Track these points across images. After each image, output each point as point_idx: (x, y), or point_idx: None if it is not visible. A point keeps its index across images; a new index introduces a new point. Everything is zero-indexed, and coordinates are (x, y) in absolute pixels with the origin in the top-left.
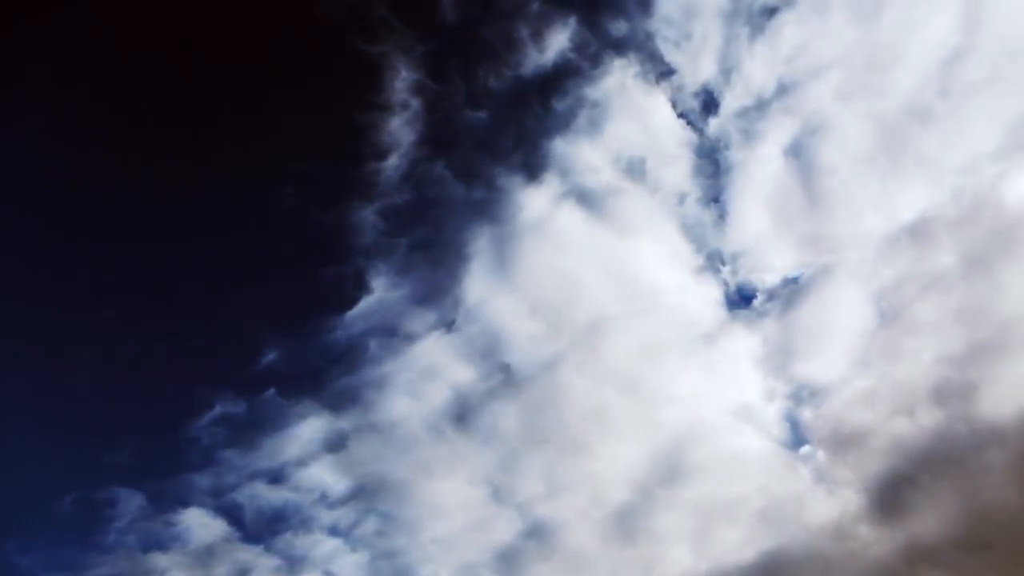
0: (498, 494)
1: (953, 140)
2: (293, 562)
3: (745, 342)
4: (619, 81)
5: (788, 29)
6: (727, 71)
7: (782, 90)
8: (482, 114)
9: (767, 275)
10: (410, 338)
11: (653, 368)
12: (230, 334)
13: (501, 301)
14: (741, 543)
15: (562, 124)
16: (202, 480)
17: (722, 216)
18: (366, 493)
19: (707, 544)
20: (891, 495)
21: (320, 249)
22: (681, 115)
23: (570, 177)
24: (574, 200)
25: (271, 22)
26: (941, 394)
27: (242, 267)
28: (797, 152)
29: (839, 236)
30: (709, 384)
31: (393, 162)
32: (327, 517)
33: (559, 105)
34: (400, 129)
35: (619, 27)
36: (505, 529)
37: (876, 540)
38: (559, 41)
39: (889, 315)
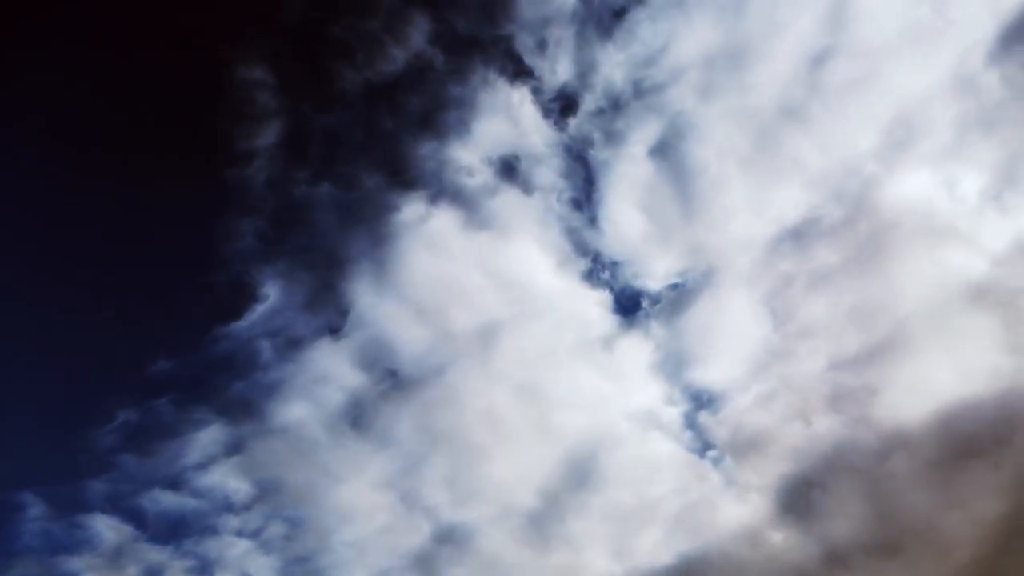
0: (406, 499)
1: (829, 140)
2: (207, 564)
3: (638, 348)
4: (482, 80)
5: (643, 29)
6: (584, 72)
7: (642, 90)
8: (341, 114)
9: (651, 280)
10: (300, 344)
11: (548, 373)
12: (123, 343)
13: (386, 306)
14: (657, 547)
15: (427, 123)
16: (103, 486)
17: (598, 219)
18: (270, 497)
19: (623, 548)
20: (799, 499)
21: (202, 258)
22: (546, 116)
23: (441, 178)
24: (448, 202)
25: (122, 30)
26: (839, 397)
27: (130, 277)
28: (665, 153)
29: (720, 240)
30: (607, 390)
31: (258, 168)
32: (233, 521)
33: (421, 104)
34: (259, 134)
35: (475, 28)
36: (417, 534)
37: (789, 544)
38: (416, 39)
39: (781, 319)
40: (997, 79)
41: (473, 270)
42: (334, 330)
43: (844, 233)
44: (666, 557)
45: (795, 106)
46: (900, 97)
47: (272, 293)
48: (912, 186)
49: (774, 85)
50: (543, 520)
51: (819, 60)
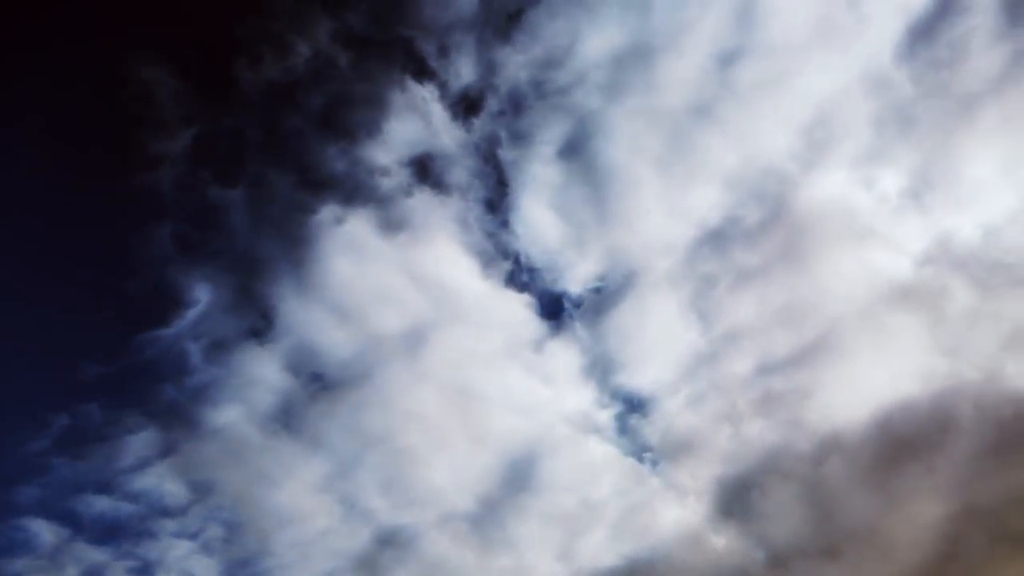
0: (345, 502)
1: (744, 140)
2: (148, 565)
3: (566, 352)
4: (388, 80)
5: (544, 30)
6: (486, 74)
7: (546, 91)
8: (248, 116)
9: (572, 284)
10: (228, 348)
11: (479, 377)
12: (52, 350)
13: (310, 309)
14: (600, 549)
15: (336, 123)
16: (37, 490)
17: (514, 222)
18: (206, 500)
19: (567, 551)
20: (737, 502)
21: (124, 263)
22: (454, 117)
23: (355, 179)
24: (364, 203)
25: (16, 33)
26: (771, 400)
27: (55, 283)
28: (576, 154)
29: (639, 241)
30: (540, 394)
31: (167, 173)
32: (171, 524)
33: (328, 104)
34: (166, 138)
35: (378, 29)
36: (359, 537)
37: (730, 547)
38: (321, 40)
39: (707, 322)
40: (908, 77)
41: (394, 273)
42: (260, 333)
43: (765, 234)
44: (610, 559)
45: (708, 106)
46: (814, 96)
47: (201, 297)
48: (830, 186)
49: (685, 84)
50: (485, 523)
51: (730, 59)
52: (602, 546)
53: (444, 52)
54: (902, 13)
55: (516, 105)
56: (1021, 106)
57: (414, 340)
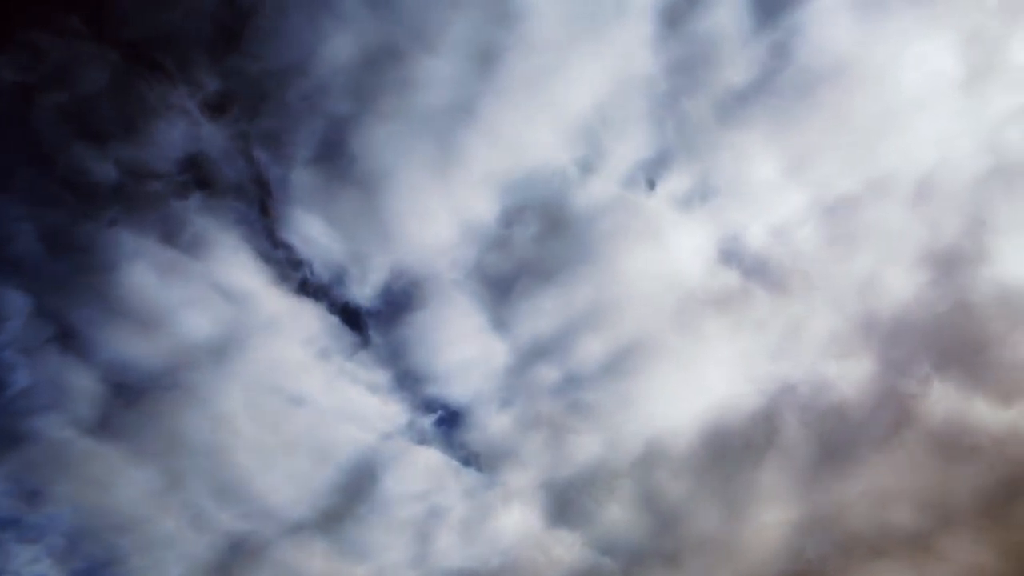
0: (187, 509)
1: (514, 141)
2: None
3: (376, 363)
4: (140, 82)
5: (284, 33)
6: (231, 81)
7: (296, 95)
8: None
9: (364, 294)
10: (41, 358)
11: (296, 387)
12: None
13: (106, 316)
14: (448, 556)
15: (92, 126)
16: None
17: (293, 232)
18: (41, 509)
19: (418, 558)
20: (571, 509)
21: None
22: (212, 119)
23: (125, 184)
24: (139, 209)
25: None
26: (586, 405)
27: None
28: (337, 158)
29: (421, 248)
30: (362, 403)
31: None
32: (4, 534)
33: (82, 107)
34: None
35: (128, 32)
36: (207, 544)
37: (572, 554)
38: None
39: (509, 330)
40: (669, 73)
41: (188, 281)
42: (68, 342)
43: (550, 239)
44: (459, 565)
45: (471, 106)
46: (584, 94)
47: (9, 308)
48: (610, 187)
49: (444, 85)
50: (334, 532)
51: (489, 58)
52: (451, 552)
53: (190, 56)
54: (655, 5)
55: (268, 113)
56: (794, 103)
57: (224, 349)
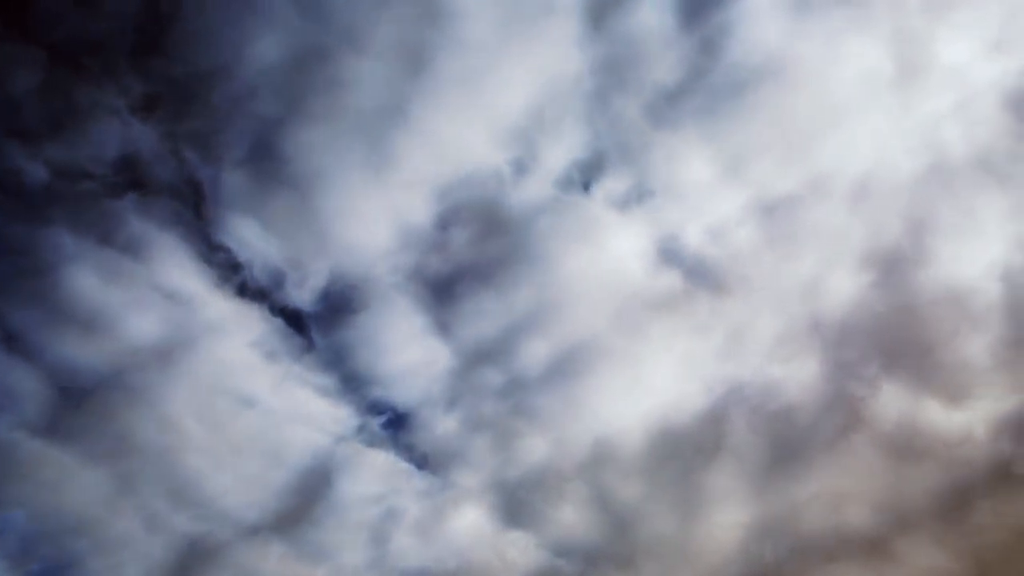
0: (141, 511)
1: (447, 142)
2: None
3: (316, 365)
4: (67, 83)
5: (206, 37)
6: (161, 84)
7: (222, 97)
8: None
9: (304, 297)
10: None
11: (246, 389)
12: None
13: (55, 320)
14: (405, 558)
15: (19, 125)
16: None
17: (228, 229)
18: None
19: (376, 559)
20: (523, 511)
21: None
22: (143, 121)
23: (54, 183)
24: (71, 209)
25: None
26: (534, 406)
27: None
28: (268, 161)
29: (359, 251)
30: (311, 406)
31: None
32: None
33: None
34: None
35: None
36: (163, 545)
37: (526, 555)
38: None
39: (452, 333)
40: (596, 72)
41: (129, 283)
42: (14, 343)
43: (488, 241)
44: (415, 567)
45: (403, 107)
46: (517, 95)
47: None
48: (546, 188)
49: (374, 86)
50: (291, 534)
51: (419, 58)
52: (407, 554)
53: (114, 59)
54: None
55: (196, 115)
56: (727, 102)
57: (170, 351)
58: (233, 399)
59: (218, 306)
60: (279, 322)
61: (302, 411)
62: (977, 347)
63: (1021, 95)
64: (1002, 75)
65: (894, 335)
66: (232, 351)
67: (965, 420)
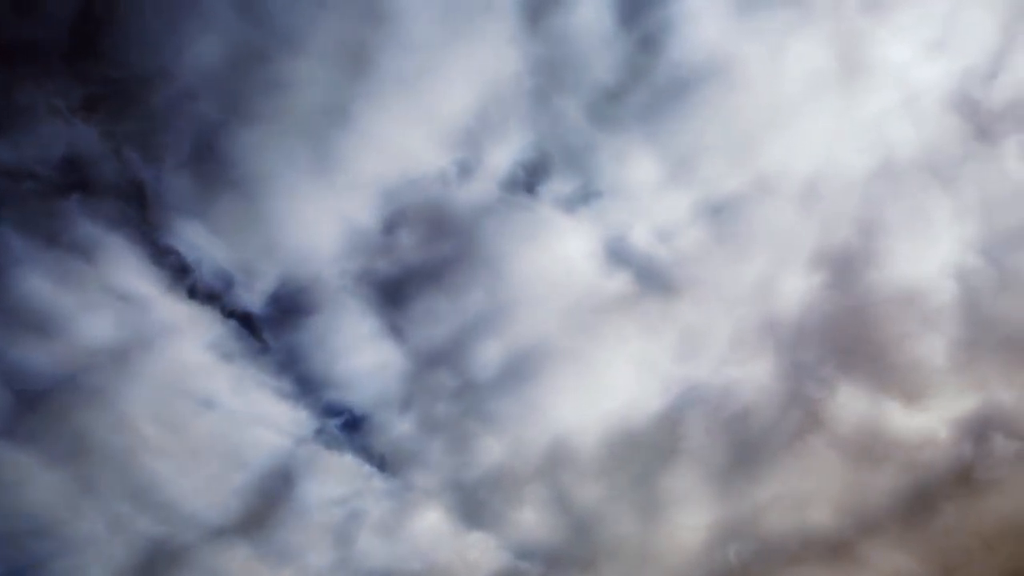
0: (104, 513)
1: (385, 144)
2: None
3: (274, 367)
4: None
5: (145, 41)
6: (91, 88)
7: (161, 100)
8: None
9: (254, 300)
10: None
11: (199, 394)
12: None
13: (5, 327)
14: (369, 560)
15: None
16: None
17: (175, 230)
18: None
19: (341, 561)
20: (483, 513)
21: None
22: (87, 120)
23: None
24: (16, 211)
25: None
26: (491, 408)
27: None
28: (209, 163)
29: (305, 253)
30: (262, 409)
31: None
32: None
33: None
34: None
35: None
36: (127, 547)
37: (486, 556)
38: None
39: (401, 334)
40: (532, 71)
41: (77, 286)
42: None
43: (435, 242)
44: (378, 565)
45: (346, 109)
46: (459, 95)
47: None
48: (490, 188)
49: (316, 87)
50: (255, 536)
51: (360, 59)
52: (370, 556)
53: (52, 61)
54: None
55: (137, 117)
56: (670, 101)
57: (126, 353)
58: (192, 401)
59: (171, 308)
60: (233, 324)
61: (261, 413)
62: (933, 347)
63: (964, 95)
64: (945, 75)
65: (849, 336)
66: (188, 353)
67: (926, 422)
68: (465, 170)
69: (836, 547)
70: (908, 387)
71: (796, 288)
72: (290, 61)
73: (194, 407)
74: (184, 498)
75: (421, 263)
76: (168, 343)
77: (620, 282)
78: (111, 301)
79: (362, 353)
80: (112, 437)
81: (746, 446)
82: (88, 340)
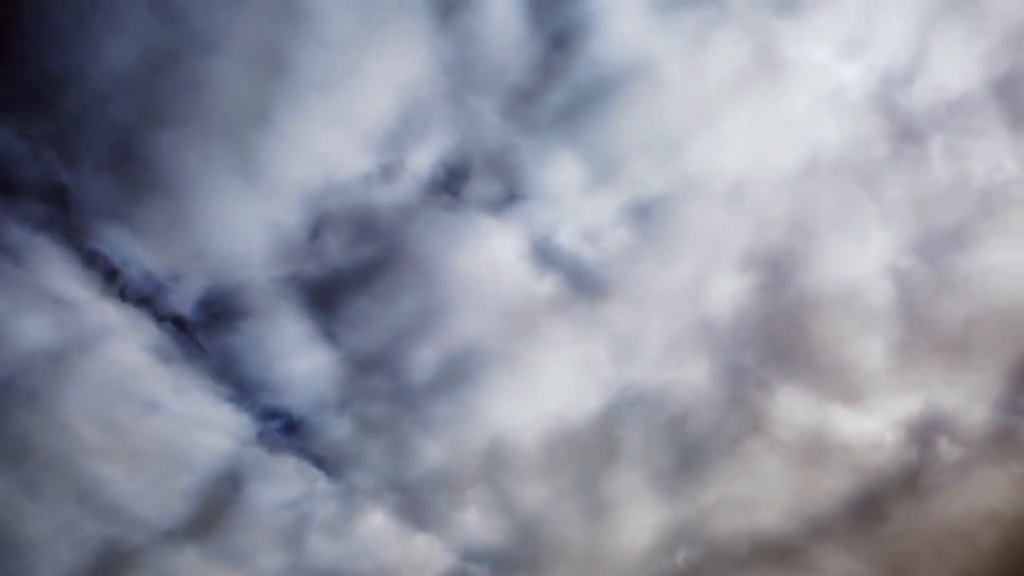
0: (52, 516)
1: (306, 146)
2: None
3: (211, 370)
4: None
5: (61, 45)
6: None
7: (76, 104)
8: None
9: (183, 302)
10: None
11: (140, 396)
12: None
13: None
14: (317, 561)
15: None
16: None
17: (100, 237)
18: None
19: (286, 563)
20: (428, 514)
21: None
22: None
23: None
24: None
25: None
26: (423, 411)
27: None
28: (124, 164)
29: (233, 255)
30: (204, 412)
31: None
32: None
33: None
34: None
35: None
36: (79, 548)
37: (432, 558)
38: None
39: (336, 337)
40: (446, 71)
41: (6, 288)
42: None
43: (366, 247)
44: (328, 567)
45: (265, 111)
46: (379, 96)
47: None
48: (413, 191)
49: (234, 89)
50: (204, 539)
51: (281, 58)
52: (319, 558)
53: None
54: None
55: (52, 120)
56: (589, 101)
57: (63, 355)
58: (134, 403)
59: (105, 311)
60: (169, 326)
61: (204, 415)
62: (872, 349)
63: (885, 95)
64: (866, 75)
65: (786, 337)
66: (127, 355)
67: (870, 425)
68: (388, 173)
69: (784, 551)
70: (848, 389)
71: (729, 289)
72: (206, 62)
73: (136, 409)
74: (131, 501)
75: (350, 267)
76: (106, 345)
77: (550, 284)
78: (44, 304)
79: (296, 357)
80: (55, 439)
81: (689, 448)
82: (24, 343)
